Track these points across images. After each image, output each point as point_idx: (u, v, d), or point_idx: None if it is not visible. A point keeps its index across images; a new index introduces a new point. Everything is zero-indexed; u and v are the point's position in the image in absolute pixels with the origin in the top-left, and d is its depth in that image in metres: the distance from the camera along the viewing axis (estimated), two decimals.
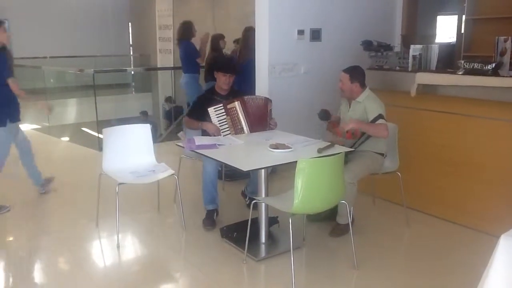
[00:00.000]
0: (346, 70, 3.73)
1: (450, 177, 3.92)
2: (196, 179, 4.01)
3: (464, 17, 5.69)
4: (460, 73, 3.74)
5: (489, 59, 3.83)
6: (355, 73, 3.70)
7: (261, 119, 4.02)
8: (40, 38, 12.55)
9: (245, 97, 4.02)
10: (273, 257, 3.34)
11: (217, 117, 3.90)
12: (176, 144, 3.84)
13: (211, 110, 3.90)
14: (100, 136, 5.80)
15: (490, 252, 1.84)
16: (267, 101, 4.08)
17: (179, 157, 4.24)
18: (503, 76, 3.51)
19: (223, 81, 4.03)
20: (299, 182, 2.80)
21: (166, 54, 9.85)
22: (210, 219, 3.80)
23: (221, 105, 3.92)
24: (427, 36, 6.86)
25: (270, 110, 4.08)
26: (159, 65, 10.18)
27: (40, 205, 4.38)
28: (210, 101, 4.01)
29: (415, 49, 4.19)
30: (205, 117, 3.93)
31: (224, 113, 3.91)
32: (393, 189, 3.96)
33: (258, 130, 3.98)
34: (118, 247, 3.51)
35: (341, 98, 3.93)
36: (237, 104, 3.92)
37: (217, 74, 4.06)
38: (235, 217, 3.92)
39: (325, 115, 3.76)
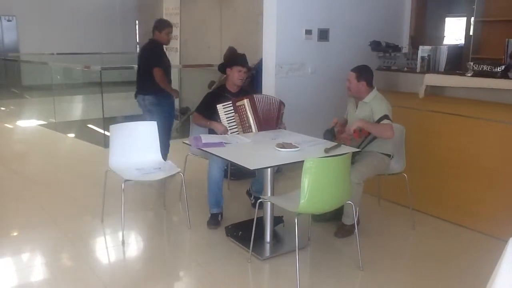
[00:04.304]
0: (354, 69, 3.72)
1: (457, 179, 3.89)
2: (202, 177, 4.01)
3: (473, 19, 5.66)
4: (469, 75, 3.72)
5: (498, 61, 3.81)
6: (362, 72, 3.68)
7: (270, 119, 4.01)
8: (47, 34, 12.61)
9: (255, 96, 4.00)
10: (278, 257, 3.33)
11: (225, 114, 3.89)
12: (183, 142, 3.84)
13: (219, 106, 3.88)
14: (106, 133, 5.82)
15: (497, 255, 1.82)
16: (280, 104, 4.06)
17: (185, 155, 4.24)
18: None
19: (237, 77, 3.99)
20: (306, 182, 2.79)
21: (172, 52, 9.86)
22: (214, 220, 3.80)
23: (230, 102, 3.90)
24: (436, 38, 6.83)
25: (282, 113, 4.07)
26: None
27: (45, 200, 4.39)
28: (220, 97, 3.99)
29: (423, 50, 4.17)
30: (214, 113, 3.92)
31: (233, 111, 3.90)
32: (399, 191, 3.94)
33: (266, 130, 3.97)
34: (123, 243, 3.51)
35: (348, 98, 3.92)
36: (246, 102, 3.90)
37: (230, 70, 4.01)
38: (240, 216, 3.92)
39: (330, 135, 3.73)
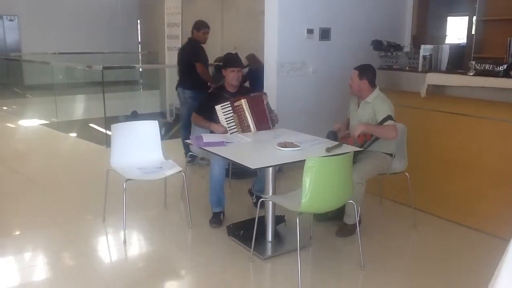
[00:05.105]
0: (357, 67, 3.72)
1: (459, 178, 3.89)
2: (203, 176, 4.01)
3: (475, 18, 5.64)
4: (471, 74, 3.71)
5: (500, 60, 3.79)
6: (365, 70, 3.68)
7: (263, 114, 4.01)
8: (49, 34, 12.62)
9: (251, 95, 4.02)
10: (279, 256, 3.33)
11: (224, 115, 3.89)
12: (185, 141, 3.84)
13: (218, 108, 3.89)
14: (108, 132, 5.83)
15: (499, 255, 1.82)
16: (262, 94, 4.08)
17: (187, 154, 4.24)
18: None
19: (232, 77, 4.02)
20: (307, 181, 2.79)
21: (174, 51, 9.85)
22: (216, 219, 3.80)
23: (228, 103, 3.91)
24: (438, 37, 6.82)
25: (267, 103, 4.07)
26: (167, 63, 10.20)
27: (46, 200, 4.40)
28: (219, 98, 4.00)
29: (425, 50, 4.16)
30: (213, 114, 3.92)
31: (231, 111, 3.90)
32: (401, 190, 3.94)
33: (263, 128, 3.97)
34: (124, 243, 3.51)
35: (350, 97, 3.91)
36: (243, 102, 3.90)
37: (225, 71, 4.05)
38: (241, 215, 3.92)
39: (333, 137, 3.73)
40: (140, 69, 12.60)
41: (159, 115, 9.67)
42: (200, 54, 5.49)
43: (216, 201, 3.79)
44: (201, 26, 5.56)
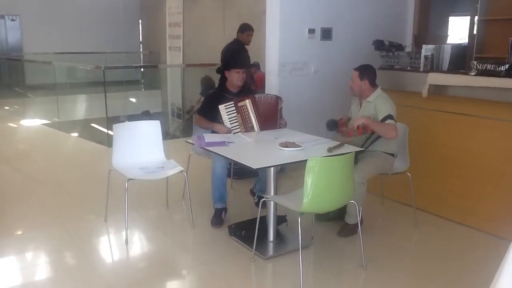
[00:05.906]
0: (357, 68, 3.73)
1: (461, 178, 3.89)
2: (205, 176, 4.02)
3: (476, 18, 5.64)
4: (472, 74, 3.71)
5: (502, 60, 3.79)
6: (365, 71, 3.69)
7: (271, 117, 4.01)
8: (50, 34, 12.64)
9: (256, 95, 4.02)
10: (281, 256, 3.33)
11: (227, 115, 3.90)
12: (186, 141, 3.85)
13: (221, 107, 3.89)
14: (110, 132, 5.84)
15: (501, 255, 1.82)
16: (277, 99, 4.07)
17: (188, 154, 4.25)
18: None
19: (236, 78, 4.03)
20: (309, 181, 2.79)
21: (175, 51, 9.88)
22: (218, 218, 3.80)
23: (232, 103, 3.91)
24: (439, 37, 6.82)
25: (281, 108, 4.07)
26: (168, 63, 10.22)
27: (48, 199, 4.40)
28: (221, 98, 4.00)
29: (427, 49, 4.16)
30: (215, 115, 3.92)
31: (235, 111, 3.91)
32: (402, 190, 3.94)
33: (268, 129, 3.97)
34: (126, 243, 3.52)
35: (352, 97, 3.91)
36: (248, 102, 3.91)
37: (229, 72, 4.06)
38: (243, 215, 3.92)
39: (333, 125, 3.73)
40: (142, 69, 12.62)
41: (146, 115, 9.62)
42: (241, 55, 5.87)
43: (218, 197, 3.80)
44: (245, 29, 6.07)
